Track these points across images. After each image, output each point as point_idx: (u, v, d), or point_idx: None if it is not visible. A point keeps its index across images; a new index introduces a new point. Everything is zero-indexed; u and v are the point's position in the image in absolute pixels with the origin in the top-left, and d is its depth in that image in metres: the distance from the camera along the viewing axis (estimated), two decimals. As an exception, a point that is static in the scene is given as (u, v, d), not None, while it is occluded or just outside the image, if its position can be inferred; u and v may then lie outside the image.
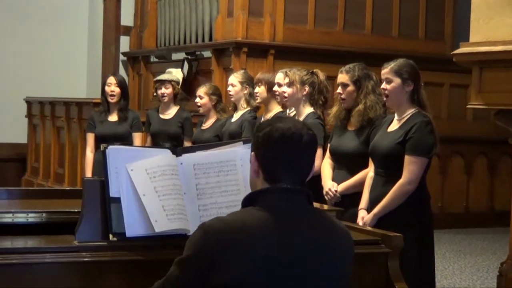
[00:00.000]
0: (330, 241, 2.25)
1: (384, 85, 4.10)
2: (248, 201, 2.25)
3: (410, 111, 4.07)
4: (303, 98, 4.87)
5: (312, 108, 4.88)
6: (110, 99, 6.40)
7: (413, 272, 3.79)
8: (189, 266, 2.15)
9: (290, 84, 4.87)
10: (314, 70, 4.96)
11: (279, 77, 5.30)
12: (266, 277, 2.12)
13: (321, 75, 4.92)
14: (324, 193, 4.46)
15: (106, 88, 6.43)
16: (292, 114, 5.13)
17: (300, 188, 2.27)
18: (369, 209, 4.11)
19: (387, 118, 4.25)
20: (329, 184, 4.46)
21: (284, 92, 4.91)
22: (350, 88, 4.46)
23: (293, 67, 5.28)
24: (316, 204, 3.62)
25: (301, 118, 4.83)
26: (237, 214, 2.22)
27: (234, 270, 2.09)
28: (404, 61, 4.12)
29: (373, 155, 4.16)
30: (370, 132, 4.35)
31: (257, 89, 5.68)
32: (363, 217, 4.09)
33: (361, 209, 4.17)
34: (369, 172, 4.24)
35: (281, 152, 2.23)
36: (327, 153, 4.61)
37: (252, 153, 2.30)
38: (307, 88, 4.86)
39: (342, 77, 4.50)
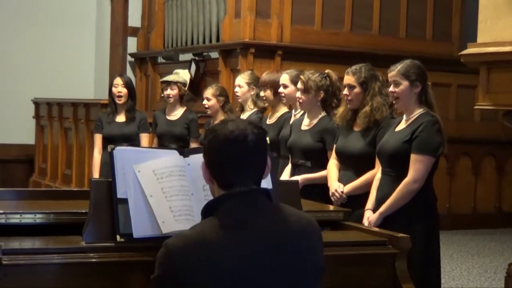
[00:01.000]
0: (295, 234, 2.23)
1: (392, 88, 4.09)
2: (207, 212, 2.24)
3: (418, 111, 4.07)
4: (318, 104, 4.83)
5: (325, 111, 4.83)
6: (117, 100, 6.42)
7: (418, 272, 3.79)
8: (159, 285, 2.17)
9: (305, 91, 4.78)
10: (326, 71, 4.87)
11: (285, 78, 5.28)
12: (236, 286, 2.12)
13: (334, 76, 4.84)
14: (330, 194, 4.45)
15: (113, 89, 6.45)
16: (298, 115, 5.12)
17: (255, 188, 2.25)
18: (375, 209, 4.11)
19: (396, 120, 4.25)
20: (335, 185, 4.44)
21: (299, 99, 4.85)
22: (357, 89, 4.44)
23: (301, 69, 5.26)
24: (321, 205, 3.64)
25: (315, 120, 4.81)
26: (197, 228, 2.21)
27: (202, 284, 2.10)
28: (411, 62, 4.11)
29: (381, 155, 4.16)
30: (376, 133, 4.34)
31: (262, 93, 5.65)
32: (369, 217, 4.09)
33: (367, 209, 4.16)
34: (376, 174, 4.23)
35: (227, 156, 2.22)
36: (333, 154, 4.59)
37: (202, 161, 2.29)
38: (322, 94, 4.79)
39: (349, 79, 4.48)
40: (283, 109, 5.56)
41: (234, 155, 2.22)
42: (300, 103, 4.87)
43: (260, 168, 2.28)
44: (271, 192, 2.30)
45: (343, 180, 4.46)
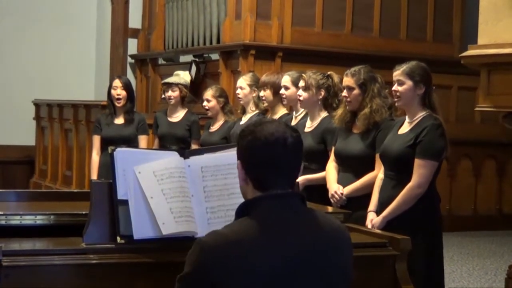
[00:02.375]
0: (330, 241, 2.23)
1: (395, 87, 4.09)
2: (242, 211, 2.23)
3: (421, 114, 4.06)
4: (319, 103, 4.83)
5: (327, 111, 4.84)
6: (117, 103, 6.41)
7: (422, 274, 3.79)
8: (190, 283, 2.14)
9: (306, 88, 4.79)
10: (329, 73, 4.89)
11: (286, 80, 5.28)
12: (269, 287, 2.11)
13: (336, 78, 4.85)
14: (330, 195, 4.45)
15: (112, 91, 6.43)
16: (300, 117, 5.12)
17: (291, 191, 2.25)
18: (378, 212, 4.11)
19: (398, 120, 4.25)
20: (334, 187, 4.44)
21: (300, 96, 4.87)
22: (356, 91, 4.44)
23: (302, 70, 5.25)
24: (321, 207, 3.63)
25: (317, 122, 4.81)
26: (233, 227, 2.19)
27: (236, 284, 2.08)
28: (417, 63, 4.11)
29: (384, 158, 4.15)
30: (376, 135, 4.34)
31: (262, 93, 5.66)
32: (372, 219, 4.08)
33: (370, 211, 4.16)
34: (378, 174, 4.23)
35: (267, 158, 2.21)
36: (332, 156, 4.59)
37: (238, 161, 2.27)
38: (323, 92, 4.80)
39: (348, 81, 4.48)
40: (282, 111, 5.57)
41: (274, 158, 2.21)
42: (300, 101, 4.88)
43: (296, 172, 2.28)
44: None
45: (342, 181, 4.46)
